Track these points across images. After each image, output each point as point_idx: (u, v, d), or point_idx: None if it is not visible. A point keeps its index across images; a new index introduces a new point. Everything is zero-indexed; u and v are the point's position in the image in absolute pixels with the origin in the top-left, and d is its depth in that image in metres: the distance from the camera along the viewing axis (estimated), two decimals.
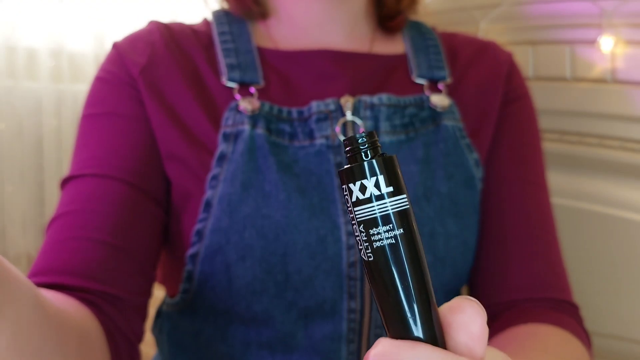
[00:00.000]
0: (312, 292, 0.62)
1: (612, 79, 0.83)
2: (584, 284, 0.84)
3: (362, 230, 0.31)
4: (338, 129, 0.65)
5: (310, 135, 0.65)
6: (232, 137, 0.64)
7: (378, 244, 0.30)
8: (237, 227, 0.62)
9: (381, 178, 0.30)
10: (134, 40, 0.70)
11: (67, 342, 0.48)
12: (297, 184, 0.63)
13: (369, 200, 0.31)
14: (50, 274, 0.58)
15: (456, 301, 0.31)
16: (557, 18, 0.87)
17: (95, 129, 0.66)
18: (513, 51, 0.78)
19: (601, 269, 0.85)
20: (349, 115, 0.66)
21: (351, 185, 0.31)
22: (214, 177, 0.63)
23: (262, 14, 0.73)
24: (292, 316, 0.63)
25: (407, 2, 0.76)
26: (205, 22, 0.74)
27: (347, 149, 0.31)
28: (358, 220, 0.31)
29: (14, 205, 1.40)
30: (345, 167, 0.31)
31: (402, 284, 0.30)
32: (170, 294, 0.70)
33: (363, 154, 0.31)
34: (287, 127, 0.65)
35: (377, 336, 0.65)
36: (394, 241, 0.30)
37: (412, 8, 0.77)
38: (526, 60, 0.90)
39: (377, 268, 0.31)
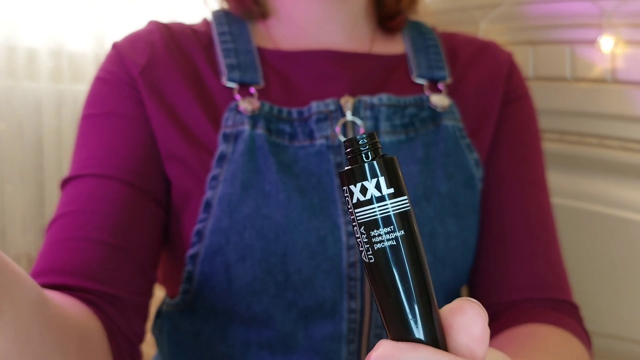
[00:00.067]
0: (312, 292, 0.62)
1: (612, 79, 0.83)
2: (584, 284, 0.84)
3: (363, 231, 0.31)
4: (338, 129, 0.65)
5: (310, 135, 0.65)
6: (232, 138, 0.64)
7: (379, 245, 0.30)
8: (237, 227, 0.62)
9: (382, 179, 0.30)
10: (133, 41, 0.69)
11: (67, 341, 0.48)
12: (297, 184, 0.63)
13: (369, 201, 0.30)
14: (51, 275, 0.58)
15: (457, 302, 0.31)
16: (557, 18, 0.87)
17: (95, 129, 0.66)
18: (513, 51, 0.78)
19: (601, 269, 0.85)
20: (349, 116, 0.66)
21: (352, 186, 0.31)
22: (214, 178, 0.63)
23: (262, 14, 0.73)
24: (292, 316, 0.63)
25: (407, 2, 0.76)
26: (205, 22, 0.74)
27: (348, 150, 0.31)
28: (359, 221, 0.31)
29: (14, 205, 1.40)
30: (346, 168, 0.31)
31: (403, 285, 0.30)
32: (170, 294, 0.70)
33: (364, 155, 0.31)
34: (287, 128, 0.65)
35: (378, 336, 0.65)
36: (394, 243, 0.30)
37: (412, 8, 0.77)
38: (526, 60, 0.90)
39: (378, 270, 0.31)
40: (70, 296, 0.56)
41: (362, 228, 0.31)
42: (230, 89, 0.67)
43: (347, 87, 0.69)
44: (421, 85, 0.72)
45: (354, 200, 0.31)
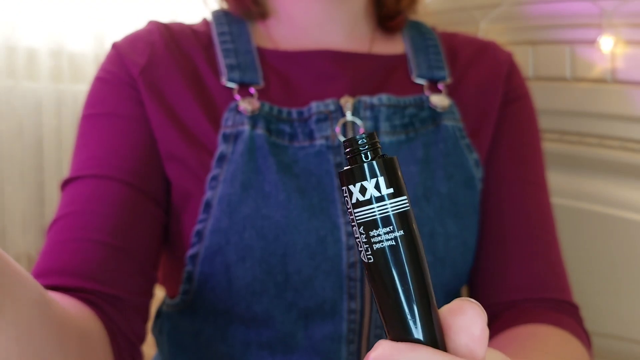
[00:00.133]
0: (312, 293, 0.62)
1: (612, 79, 0.82)
2: (584, 284, 0.84)
3: (362, 232, 0.31)
4: (338, 129, 0.65)
5: (310, 135, 0.65)
6: (232, 138, 0.64)
7: (378, 245, 0.30)
8: (237, 227, 0.62)
9: (381, 179, 0.30)
10: (133, 41, 0.69)
11: (68, 342, 0.48)
12: (297, 185, 0.63)
13: (369, 201, 0.30)
14: (51, 276, 0.58)
15: (457, 303, 0.31)
16: (557, 18, 0.87)
17: (95, 129, 0.66)
18: (513, 51, 0.78)
19: (601, 269, 0.85)
20: (348, 116, 0.66)
21: (351, 186, 0.31)
22: (214, 178, 0.63)
23: (262, 14, 0.73)
24: (292, 316, 0.63)
25: (406, 2, 0.76)
26: (205, 22, 0.74)
27: (347, 150, 0.31)
28: (358, 222, 0.31)
29: (14, 205, 1.40)
30: (345, 168, 0.31)
31: (402, 286, 0.30)
32: (170, 294, 0.70)
33: (363, 155, 0.31)
34: (287, 128, 0.65)
35: (377, 337, 0.65)
36: (394, 243, 0.30)
37: (412, 8, 0.77)
38: (526, 60, 0.90)
39: (377, 270, 0.31)
40: (70, 297, 0.56)
41: (361, 228, 0.31)
42: (230, 89, 0.67)
43: (347, 87, 0.69)
44: (421, 86, 0.72)
45: (353, 200, 0.31)
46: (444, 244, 0.65)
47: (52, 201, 1.47)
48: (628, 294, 0.83)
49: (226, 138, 0.64)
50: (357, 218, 0.31)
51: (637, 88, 0.80)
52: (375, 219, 0.30)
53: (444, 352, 0.30)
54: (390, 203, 0.30)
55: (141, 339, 0.63)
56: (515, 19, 0.92)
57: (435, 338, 0.30)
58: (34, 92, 1.45)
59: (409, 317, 0.30)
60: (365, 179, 0.30)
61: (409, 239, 0.30)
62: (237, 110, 0.65)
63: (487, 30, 0.94)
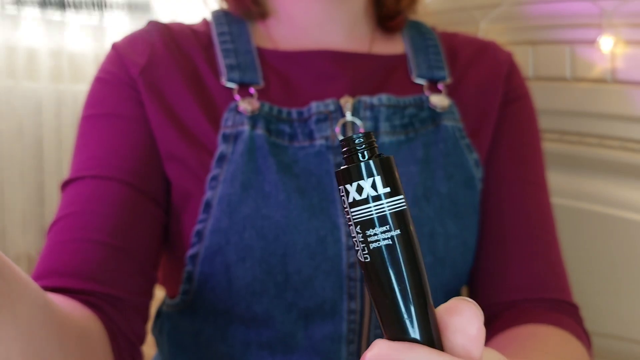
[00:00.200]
0: (312, 293, 0.62)
1: (612, 79, 0.82)
2: (584, 284, 0.84)
3: (359, 231, 0.31)
4: (338, 129, 0.65)
5: (310, 135, 0.65)
6: (232, 138, 0.64)
7: (375, 245, 0.30)
8: (237, 227, 0.62)
9: (378, 179, 0.30)
10: (133, 41, 0.69)
11: (68, 343, 0.48)
12: (296, 185, 0.63)
13: (365, 201, 0.30)
14: (51, 277, 0.58)
15: (453, 302, 0.31)
16: (557, 18, 0.87)
17: (95, 129, 0.66)
18: (513, 51, 0.78)
19: (601, 269, 0.85)
20: (348, 116, 0.66)
21: (348, 186, 0.31)
22: (214, 178, 0.63)
23: (262, 14, 0.73)
24: (292, 317, 0.63)
25: (406, 2, 0.76)
26: (205, 22, 0.74)
27: (344, 149, 0.31)
28: (355, 221, 0.31)
29: (14, 205, 1.40)
30: (342, 167, 0.31)
31: (398, 285, 0.30)
32: (170, 294, 0.70)
33: (360, 155, 0.31)
34: (286, 128, 0.65)
35: (377, 337, 0.65)
36: (390, 242, 0.30)
37: (412, 8, 0.77)
38: (526, 60, 0.90)
39: (373, 269, 0.31)
40: (71, 298, 0.56)
41: (358, 227, 0.31)
42: (230, 89, 0.67)
43: (346, 87, 0.69)
44: (421, 86, 0.71)
45: (350, 200, 0.31)
46: (444, 244, 0.65)
47: (52, 201, 1.47)
48: (628, 294, 0.83)
49: (226, 138, 0.64)
50: (353, 217, 0.31)
51: (637, 88, 0.80)
52: (372, 218, 0.30)
53: (441, 352, 0.30)
54: (387, 202, 0.30)
55: (141, 339, 0.63)
56: (515, 19, 0.92)
57: (432, 338, 0.30)
58: (34, 92, 1.45)
59: (405, 316, 0.30)
60: (362, 178, 0.30)
61: (406, 238, 0.30)
62: (237, 110, 0.65)
63: (487, 30, 0.94)
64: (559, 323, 0.63)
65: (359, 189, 0.30)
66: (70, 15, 1.51)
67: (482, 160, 0.71)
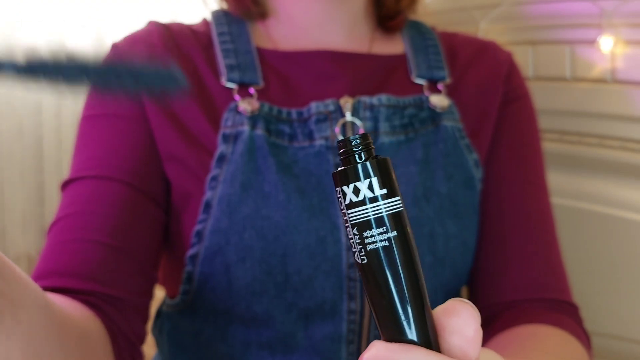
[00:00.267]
0: (312, 293, 0.62)
1: (612, 79, 0.82)
2: (584, 284, 0.84)
3: (356, 232, 0.31)
4: (337, 129, 0.65)
5: (310, 136, 0.65)
6: (232, 138, 0.64)
7: (371, 246, 0.30)
8: (237, 228, 0.62)
9: (375, 180, 0.30)
10: (133, 41, 0.69)
11: (68, 343, 0.48)
12: (296, 185, 0.63)
13: (362, 202, 0.30)
14: (51, 277, 0.58)
15: (450, 304, 0.31)
16: (557, 18, 0.87)
17: (95, 130, 0.66)
18: (513, 51, 0.78)
19: (601, 269, 0.85)
20: (348, 116, 0.66)
21: (345, 187, 0.31)
22: (214, 178, 0.63)
23: (262, 14, 0.73)
24: (292, 317, 0.63)
25: (406, 2, 0.76)
26: (205, 23, 0.74)
27: (341, 151, 0.31)
28: (351, 222, 0.31)
29: (14, 205, 1.40)
30: (339, 169, 0.31)
31: (395, 286, 0.30)
32: (170, 294, 0.70)
33: (357, 156, 0.31)
34: (286, 128, 0.65)
35: (377, 337, 0.65)
36: (387, 244, 0.30)
37: (412, 8, 0.77)
38: (526, 60, 0.90)
39: (370, 270, 0.31)
40: (71, 299, 0.56)
41: (355, 229, 0.31)
42: (230, 89, 0.67)
43: (346, 87, 0.69)
44: (421, 86, 0.71)
45: (347, 201, 0.31)
46: (444, 244, 0.65)
47: (52, 201, 1.47)
48: (628, 294, 0.83)
49: (226, 138, 0.64)
50: (350, 219, 0.31)
51: (637, 88, 0.80)
52: (369, 220, 0.30)
53: (438, 353, 0.30)
54: (384, 204, 0.30)
55: (141, 339, 0.63)
56: (515, 19, 0.92)
57: (429, 339, 0.30)
58: (34, 92, 1.45)
59: (402, 317, 0.30)
60: (359, 180, 0.30)
61: (403, 239, 0.30)
62: (236, 110, 0.65)
63: (487, 30, 0.94)
64: (558, 323, 0.63)
65: (356, 191, 0.30)
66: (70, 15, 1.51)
67: (482, 161, 0.71)
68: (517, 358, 0.54)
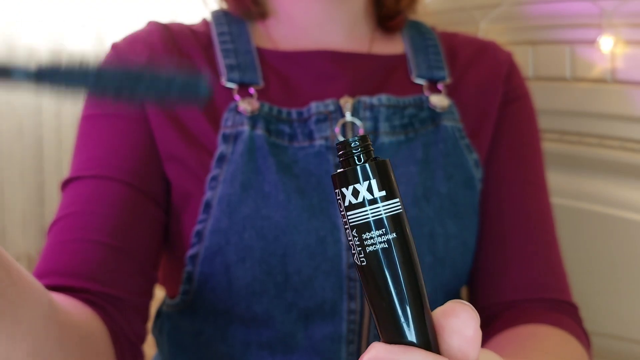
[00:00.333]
0: (312, 293, 0.62)
1: (612, 79, 0.82)
2: (584, 284, 0.84)
3: (355, 234, 0.31)
4: (337, 129, 0.65)
5: (310, 136, 0.65)
6: (232, 138, 0.64)
7: (371, 248, 0.30)
8: (237, 228, 0.62)
9: (374, 182, 0.30)
10: (132, 41, 0.69)
11: (69, 342, 0.48)
12: (296, 185, 0.63)
13: (361, 204, 0.30)
14: (52, 276, 0.58)
15: (449, 305, 0.31)
16: (557, 18, 0.87)
17: (94, 130, 0.66)
18: (513, 51, 0.78)
19: (601, 269, 0.85)
20: (348, 116, 0.66)
21: (344, 189, 0.31)
22: (214, 178, 0.63)
23: (262, 14, 0.73)
24: (292, 317, 0.63)
25: (406, 2, 0.76)
26: (205, 23, 0.74)
27: (340, 152, 0.31)
28: (351, 224, 0.31)
29: (14, 205, 1.40)
30: (338, 171, 0.31)
31: (395, 288, 0.30)
32: (170, 294, 0.70)
33: (356, 158, 0.31)
34: (286, 128, 0.65)
35: (377, 337, 0.65)
36: (387, 245, 0.30)
37: (412, 8, 0.77)
38: (526, 60, 0.90)
39: (370, 272, 0.31)
40: (72, 298, 0.56)
41: (354, 231, 0.31)
42: (230, 89, 0.67)
43: (346, 87, 0.69)
44: (421, 86, 0.71)
45: (346, 203, 0.31)
46: (444, 244, 0.65)
47: (52, 201, 1.47)
48: (628, 294, 0.83)
49: (226, 138, 0.64)
50: (350, 221, 0.31)
51: (637, 88, 0.80)
52: (368, 222, 0.30)
53: (437, 355, 0.30)
54: (383, 206, 0.30)
55: (142, 339, 0.63)
56: (515, 19, 0.92)
57: (429, 340, 0.30)
58: (37, 95, 1.45)
59: (402, 319, 0.30)
60: (358, 182, 0.30)
61: (402, 241, 0.30)
62: (236, 110, 0.65)
63: (487, 30, 0.94)
64: (558, 323, 0.63)
65: (355, 193, 0.30)
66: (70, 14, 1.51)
67: (482, 161, 0.71)
68: (517, 358, 0.54)
